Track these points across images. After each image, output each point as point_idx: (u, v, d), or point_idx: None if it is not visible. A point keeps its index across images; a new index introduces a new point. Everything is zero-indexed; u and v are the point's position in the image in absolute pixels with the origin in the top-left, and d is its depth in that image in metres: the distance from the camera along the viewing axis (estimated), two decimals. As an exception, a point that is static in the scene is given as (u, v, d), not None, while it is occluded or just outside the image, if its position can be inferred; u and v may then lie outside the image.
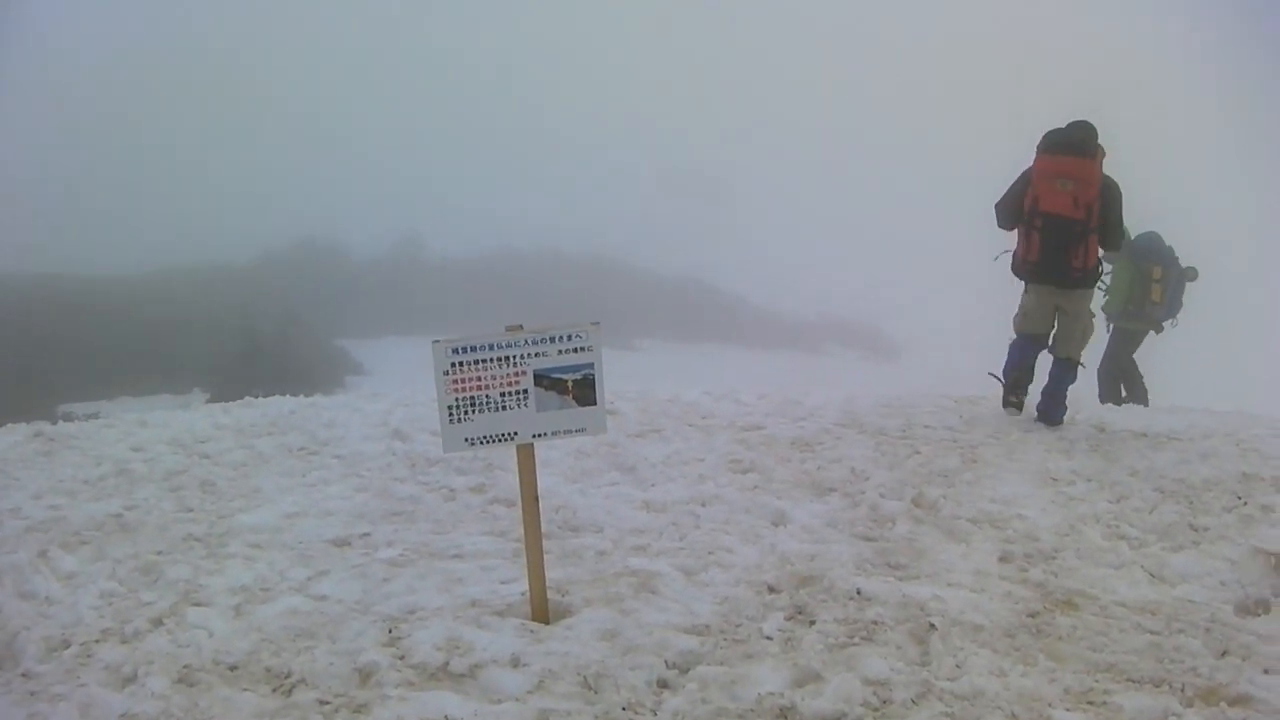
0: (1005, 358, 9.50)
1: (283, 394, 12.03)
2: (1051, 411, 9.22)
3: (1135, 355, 12.94)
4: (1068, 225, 8.59)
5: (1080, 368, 9.24)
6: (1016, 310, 9.35)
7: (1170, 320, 12.68)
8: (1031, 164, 8.84)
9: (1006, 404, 9.53)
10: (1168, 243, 12.58)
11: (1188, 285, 12.58)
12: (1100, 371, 12.76)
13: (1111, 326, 12.91)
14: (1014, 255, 9.15)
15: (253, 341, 46.46)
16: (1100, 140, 8.63)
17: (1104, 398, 12.60)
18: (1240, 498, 7.16)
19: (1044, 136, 8.74)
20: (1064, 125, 8.72)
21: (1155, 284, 12.23)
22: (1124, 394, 12.92)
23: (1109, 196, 8.65)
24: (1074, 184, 8.48)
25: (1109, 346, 12.95)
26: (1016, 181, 8.96)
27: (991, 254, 9.48)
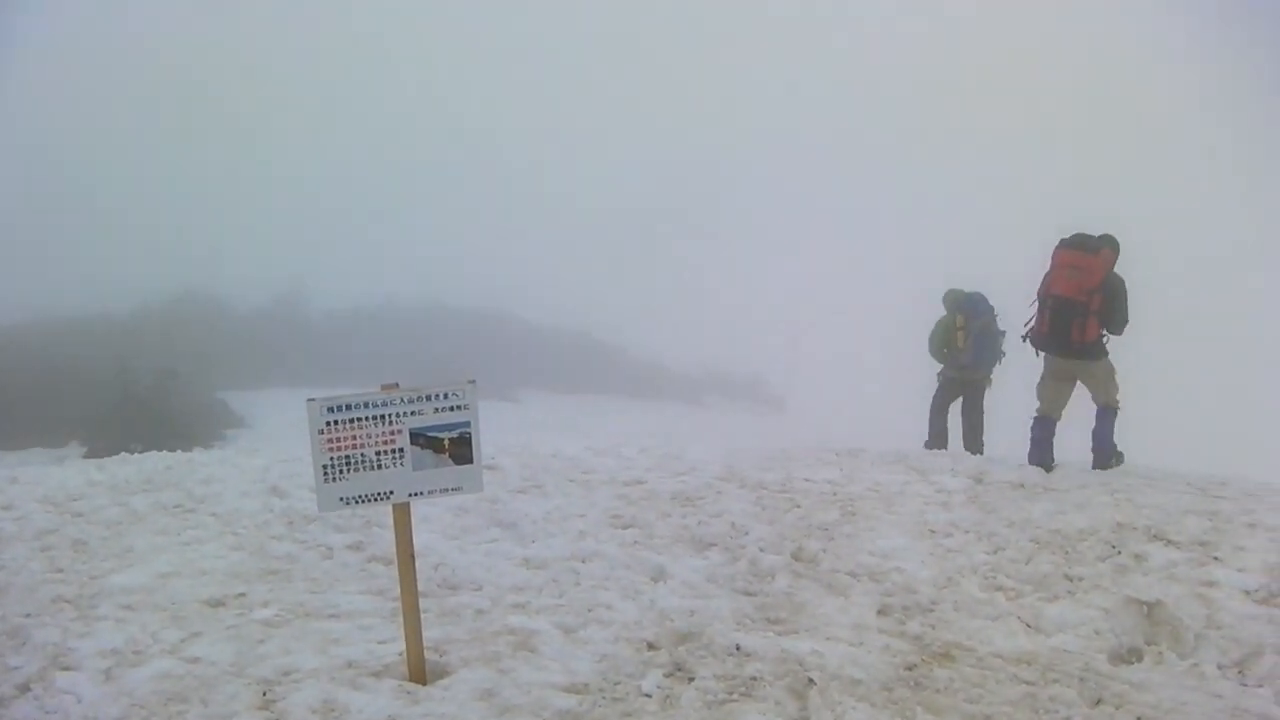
0: (1030, 439, 10.78)
1: (161, 448, 11.76)
2: (1104, 455, 10.53)
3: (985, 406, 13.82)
4: (1070, 304, 10.25)
5: (1118, 410, 10.66)
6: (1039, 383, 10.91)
7: (983, 370, 13.53)
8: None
9: (1045, 467, 10.43)
10: (992, 303, 13.57)
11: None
12: (930, 414, 13.85)
13: (939, 374, 13.89)
14: (1033, 330, 10.65)
15: (130, 394, 45.29)
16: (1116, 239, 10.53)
17: (930, 444, 13.61)
18: (1114, 547, 7.29)
19: (1062, 240, 10.41)
20: (1086, 234, 10.41)
21: (959, 331, 13.34)
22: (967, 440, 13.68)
23: (1111, 288, 10.30)
24: (1079, 273, 10.19)
25: (935, 393, 13.91)
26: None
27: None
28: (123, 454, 11.17)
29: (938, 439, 13.85)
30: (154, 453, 11.30)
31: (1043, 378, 10.90)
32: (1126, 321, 10.59)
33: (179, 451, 11.52)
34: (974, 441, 13.58)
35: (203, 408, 50.49)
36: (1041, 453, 10.63)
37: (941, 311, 13.78)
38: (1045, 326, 10.49)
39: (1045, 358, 10.81)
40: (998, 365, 13.65)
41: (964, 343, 13.36)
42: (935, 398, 13.92)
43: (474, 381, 5.11)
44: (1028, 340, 10.84)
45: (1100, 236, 10.47)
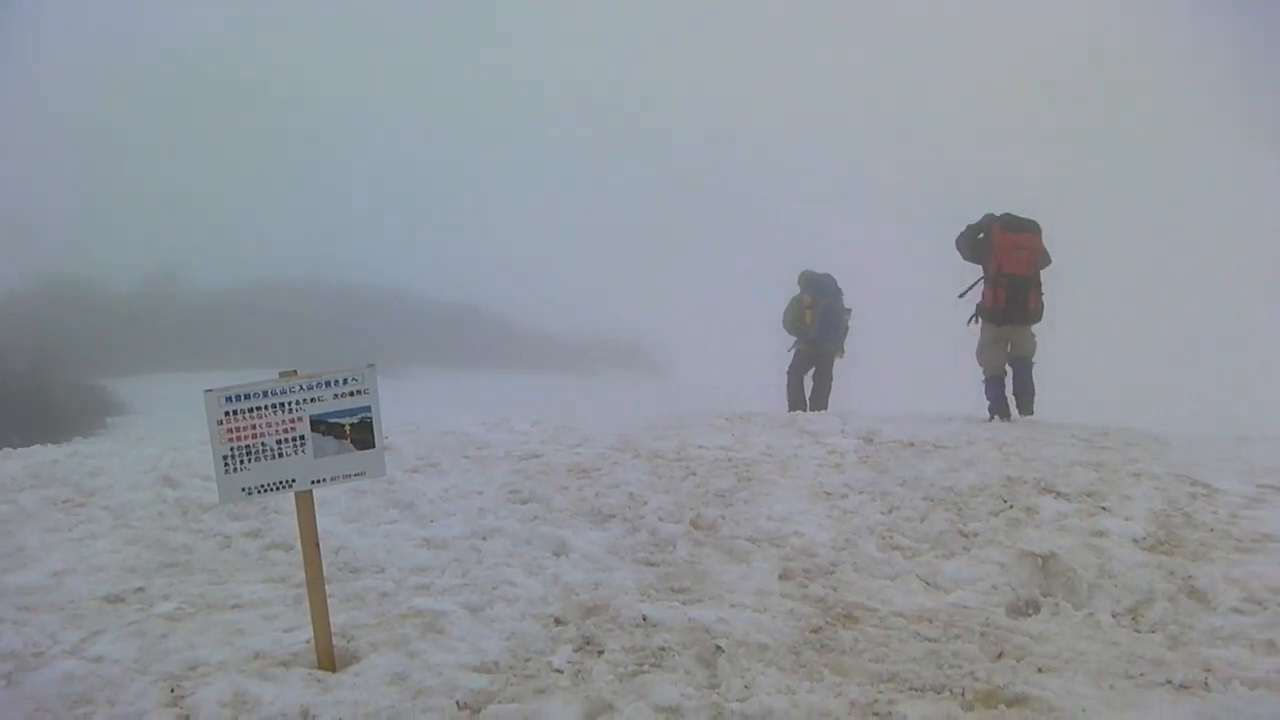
0: (986, 396, 11.98)
1: (43, 439, 11.45)
2: (1031, 400, 11.96)
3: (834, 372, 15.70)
4: (1024, 281, 11.67)
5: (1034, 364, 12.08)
6: (978, 347, 12.13)
7: (830, 343, 15.33)
8: (985, 226, 11.94)
9: (1005, 417, 11.79)
10: (840, 285, 15.49)
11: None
12: (788, 383, 15.49)
13: (793, 347, 15.67)
14: (984, 305, 11.94)
15: (4, 385, 44.04)
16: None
17: (791, 406, 15.35)
18: (1006, 501, 7.43)
19: (996, 222, 11.82)
20: (1018, 216, 11.88)
21: (808, 310, 15.04)
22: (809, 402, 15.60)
23: (1045, 262, 11.88)
24: (1030, 253, 11.67)
25: (790, 363, 15.63)
26: (977, 229, 12.01)
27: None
28: (5, 449, 10.86)
29: (796, 404, 15.46)
30: (39, 446, 10.98)
31: (983, 345, 12.11)
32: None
33: (62, 443, 11.23)
34: (821, 403, 15.32)
35: (81, 396, 49.25)
36: (1002, 406, 11.83)
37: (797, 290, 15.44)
38: (1003, 302, 11.73)
39: (985, 327, 12.09)
40: (846, 338, 15.49)
41: (812, 319, 15.03)
42: (791, 368, 15.51)
43: (373, 366, 5.04)
44: (976, 318, 12.13)
45: (1030, 219, 11.89)
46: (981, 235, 11.99)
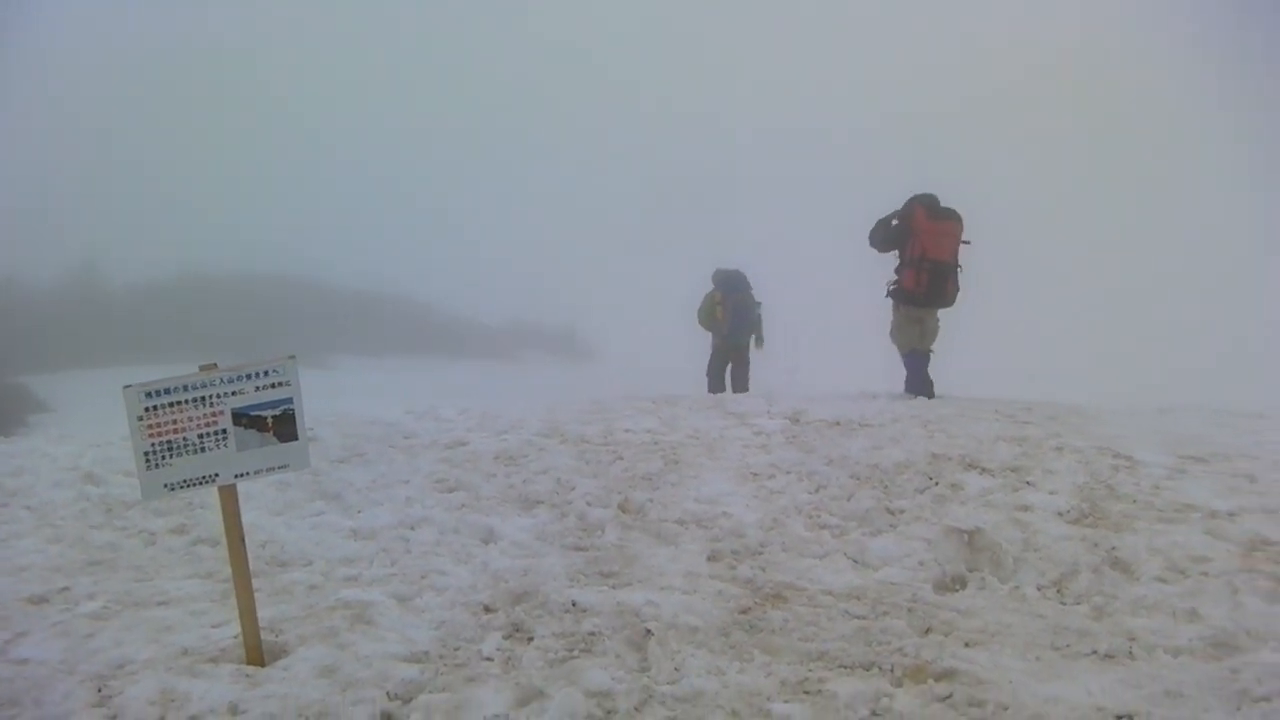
0: (908, 371, 12.28)
1: (-37, 438, 11.21)
2: (927, 388, 12.07)
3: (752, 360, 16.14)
4: (947, 266, 11.96)
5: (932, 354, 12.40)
6: (892, 328, 12.41)
7: (741, 337, 15.78)
8: (906, 212, 12.13)
9: (929, 394, 11.98)
10: (751, 281, 15.96)
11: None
12: (708, 382, 15.97)
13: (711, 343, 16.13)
14: (902, 287, 12.15)
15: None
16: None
17: (711, 390, 15.63)
18: (931, 478, 7.49)
19: (921, 206, 12.01)
20: (939, 203, 12.10)
21: (718, 306, 15.49)
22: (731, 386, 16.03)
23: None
24: (952, 239, 11.94)
25: (710, 359, 16.07)
26: (889, 218, 12.27)
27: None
28: (-76, 450, 10.62)
29: (716, 389, 15.75)
30: (-43, 447, 10.76)
31: (901, 325, 12.33)
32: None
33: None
34: (741, 384, 15.79)
35: (1, 394, 48.41)
36: (924, 381, 12.10)
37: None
38: (925, 286, 11.99)
39: (901, 308, 12.33)
40: (761, 329, 15.90)
41: (723, 315, 15.48)
42: (710, 362, 15.98)
43: (294, 357, 4.97)
44: (894, 297, 12.34)
45: (953, 209, 12.14)
46: (896, 222, 12.25)
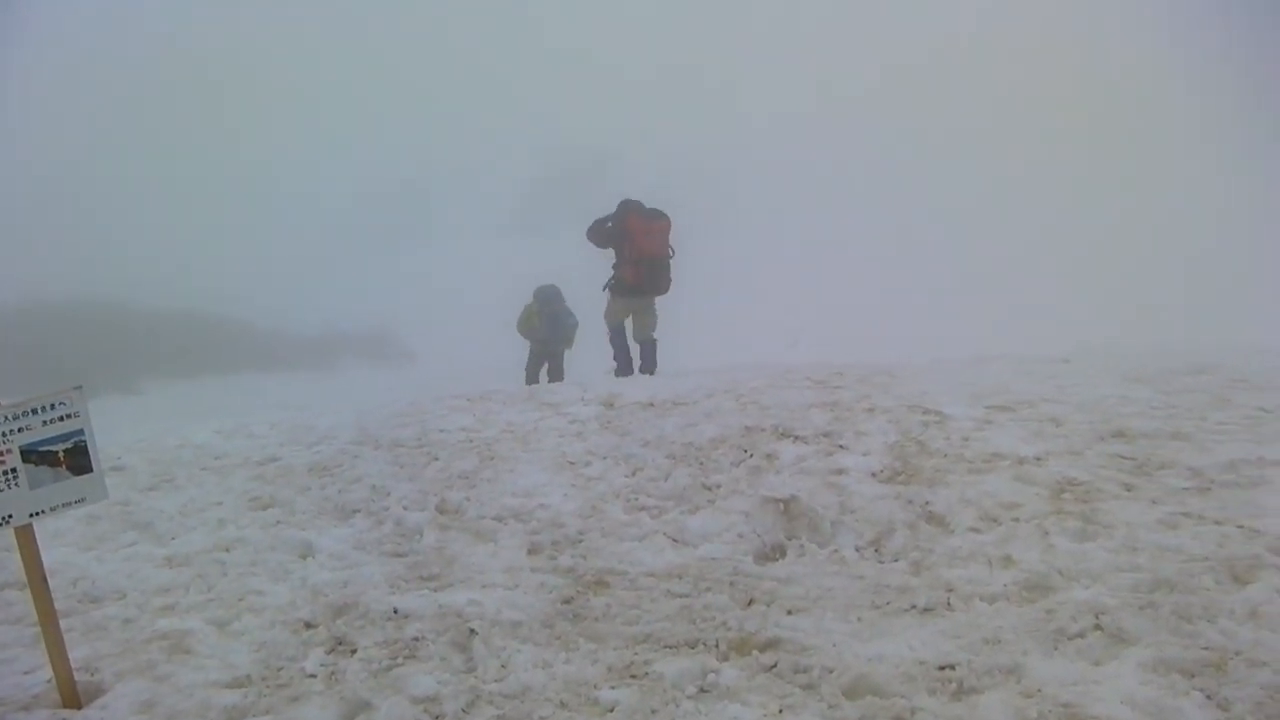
0: (612, 347, 14.03)
1: None
2: (653, 368, 13.68)
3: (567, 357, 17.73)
4: (661, 261, 13.43)
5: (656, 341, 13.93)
6: (607, 310, 13.92)
7: (557, 344, 17.28)
8: (620, 215, 13.48)
9: (629, 373, 13.62)
10: (563, 294, 17.41)
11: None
12: (525, 379, 17.31)
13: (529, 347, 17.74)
14: (619, 279, 13.59)
15: None
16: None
17: (528, 381, 17.20)
18: (746, 451, 7.54)
19: (632, 210, 13.43)
20: (645, 206, 13.57)
21: (535, 316, 17.08)
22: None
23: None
24: (663, 236, 13.43)
25: (528, 360, 17.60)
26: (605, 220, 13.59)
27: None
28: None
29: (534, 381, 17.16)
30: None
31: (614, 310, 13.89)
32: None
33: None
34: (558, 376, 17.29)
35: None
36: (626, 359, 13.90)
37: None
38: (641, 278, 13.45)
39: (617, 298, 13.79)
40: (576, 336, 17.26)
41: (539, 323, 17.02)
42: (528, 364, 17.53)
43: (80, 387, 4.75)
44: (613, 289, 13.75)
45: (660, 210, 13.62)
46: (610, 224, 13.59)
